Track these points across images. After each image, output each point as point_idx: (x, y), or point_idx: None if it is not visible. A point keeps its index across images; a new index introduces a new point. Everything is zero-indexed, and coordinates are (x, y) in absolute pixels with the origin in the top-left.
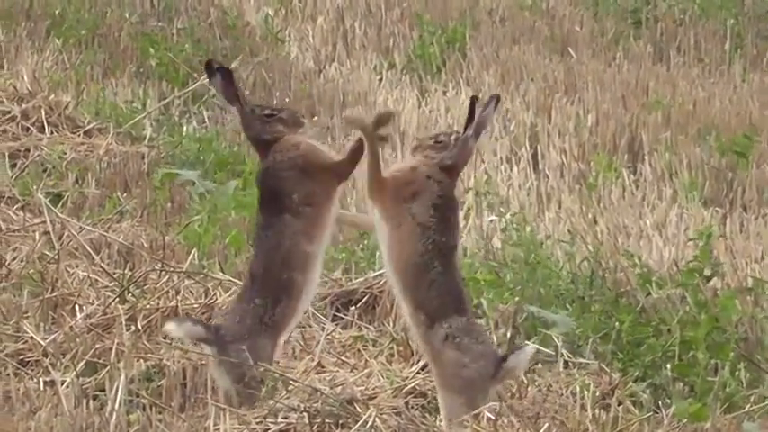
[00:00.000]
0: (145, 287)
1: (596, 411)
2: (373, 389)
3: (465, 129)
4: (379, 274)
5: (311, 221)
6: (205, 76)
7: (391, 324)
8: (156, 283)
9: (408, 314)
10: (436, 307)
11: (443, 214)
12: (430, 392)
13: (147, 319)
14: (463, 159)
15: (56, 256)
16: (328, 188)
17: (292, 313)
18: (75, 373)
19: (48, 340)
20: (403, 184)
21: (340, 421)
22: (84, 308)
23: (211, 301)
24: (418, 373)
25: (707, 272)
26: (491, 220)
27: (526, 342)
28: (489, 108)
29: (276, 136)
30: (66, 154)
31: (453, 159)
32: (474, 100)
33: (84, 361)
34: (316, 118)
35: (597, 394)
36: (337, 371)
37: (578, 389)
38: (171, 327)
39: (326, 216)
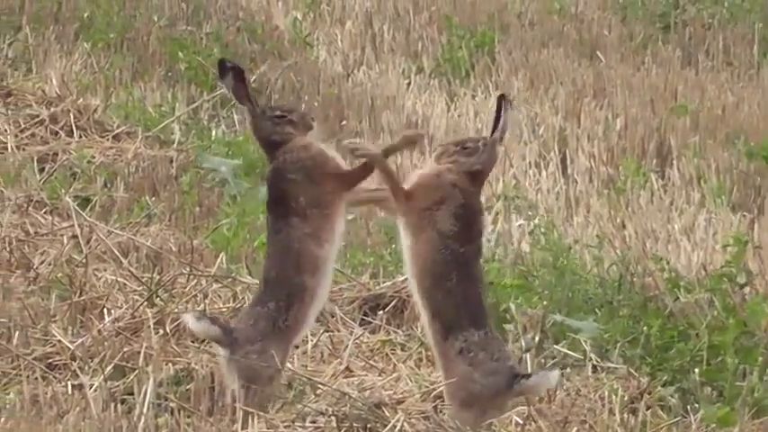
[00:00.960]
0: (173, 291)
1: (624, 416)
2: (401, 393)
3: (492, 132)
4: (407, 279)
5: (319, 224)
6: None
7: (419, 328)
8: (185, 287)
9: (426, 321)
10: (452, 318)
11: (465, 223)
12: None
13: (176, 323)
14: (491, 164)
15: (84, 260)
16: (335, 194)
17: (304, 318)
18: (103, 376)
19: (76, 344)
20: (428, 191)
21: (368, 425)
22: (112, 311)
23: (239, 305)
24: None
25: (740, 279)
26: (519, 225)
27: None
28: (507, 110)
29: (285, 137)
30: (94, 158)
31: (482, 165)
32: (501, 99)
33: (112, 365)
34: (344, 123)
35: (625, 399)
36: (365, 375)
37: (606, 393)
38: (189, 320)
39: (335, 219)
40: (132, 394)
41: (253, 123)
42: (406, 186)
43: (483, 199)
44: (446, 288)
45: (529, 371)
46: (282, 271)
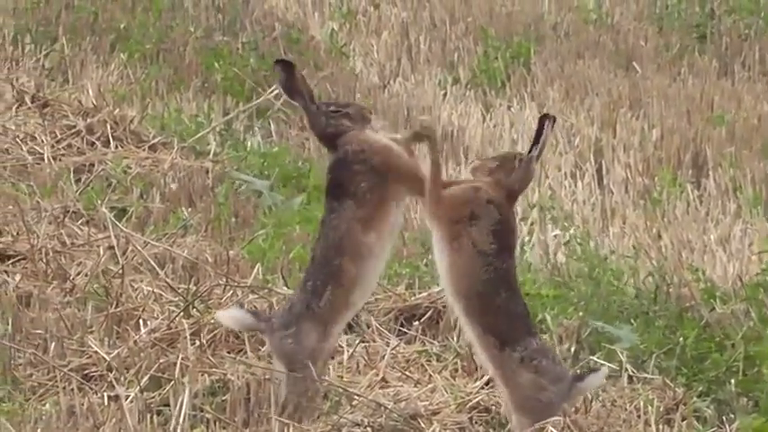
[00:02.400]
0: (209, 302)
1: (660, 427)
2: (437, 404)
3: (531, 149)
4: (443, 289)
5: (372, 212)
6: (270, 90)
7: (455, 339)
8: (221, 298)
9: (475, 337)
10: (506, 330)
11: (502, 239)
12: (494, 408)
13: (212, 334)
14: (526, 182)
15: (120, 271)
16: (399, 189)
17: (341, 302)
18: (139, 387)
19: (112, 355)
20: (462, 202)
21: None
22: (148, 322)
23: None
24: (482, 388)
25: None
26: (555, 235)
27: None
28: (548, 130)
29: (341, 130)
30: (130, 168)
31: (518, 183)
32: (545, 119)
33: (148, 376)
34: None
35: (661, 409)
36: (401, 386)
37: (642, 404)
38: (220, 315)
39: (389, 211)
40: (168, 405)
41: (308, 119)
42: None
43: (519, 210)
44: (496, 304)
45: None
46: (324, 252)
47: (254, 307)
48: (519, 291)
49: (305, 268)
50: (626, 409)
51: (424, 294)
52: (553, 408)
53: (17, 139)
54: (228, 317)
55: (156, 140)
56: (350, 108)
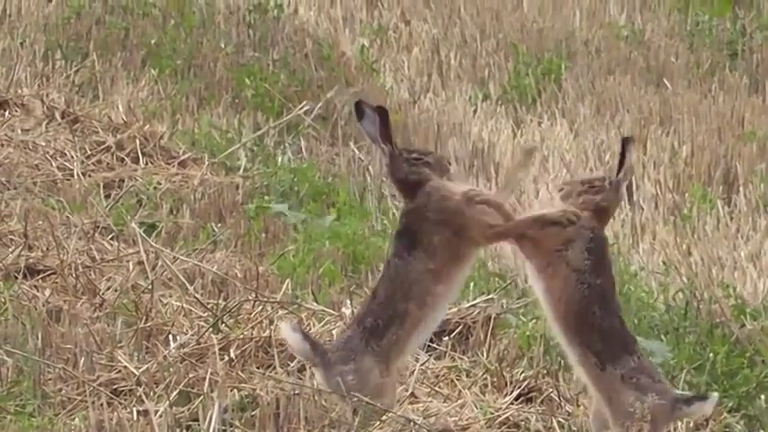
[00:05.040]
0: (238, 317)
1: None
2: (467, 420)
3: (618, 172)
4: (473, 305)
5: (444, 265)
6: (301, 106)
7: (485, 354)
8: (250, 314)
9: (576, 359)
10: (605, 348)
11: (597, 257)
12: (523, 423)
13: (241, 349)
14: (616, 203)
15: (150, 286)
16: (472, 243)
17: (401, 343)
18: (168, 402)
19: (141, 370)
20: (556, 233)
21: None
22: (177, 337)
23: (305, 331)
24: (512, 403)
25: None
26: None
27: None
28: (630, 152)
29: (423, 178)
30: (160, 184)
31: (608, 203)
32: (626, 142)
33: (177, 390)
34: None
35: (691, 425)
36: (431, 401)
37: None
38: (285, 328)
39: (461, 265)
40: (197, 420)
41: (390, 164)
42: (530, 231)
43: None
44: (592, 322)
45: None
46: (390, 294)
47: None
48: (615, 307)
49: (362, 303)
50: None
51: (454, 310)
52: (657, 424)
53: (47, 155)
54: (289, 337)
55: (185, 156)
56: (430, 157)
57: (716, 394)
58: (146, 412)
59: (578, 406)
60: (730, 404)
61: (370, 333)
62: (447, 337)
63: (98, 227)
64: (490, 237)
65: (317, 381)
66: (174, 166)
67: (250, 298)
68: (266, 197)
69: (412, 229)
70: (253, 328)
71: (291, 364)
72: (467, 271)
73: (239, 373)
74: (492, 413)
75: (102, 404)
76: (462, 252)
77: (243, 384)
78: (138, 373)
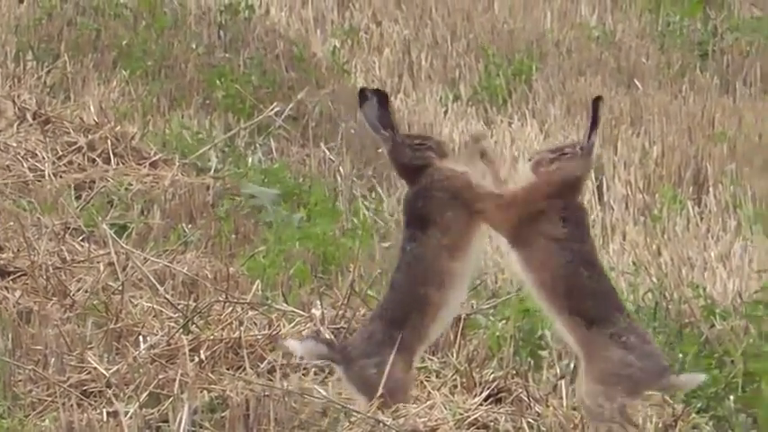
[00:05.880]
0: (209, 318)
1: None
2: (436, 420)
3: (589, 135)
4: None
5: (457, 238)
6: (272, 107)
7: (454, 355)
8: (220, 314)
9: (561, 321)
10: (593, 308)
11: (575, 223)
12: (492, 424)
13: (211, 350)
14: (589, 170)
15: (120, 287)
16: (487, 215)
17: (423, 333)
18: (138, 404)
19: (111, 371)
20: (526, 204)
21: None
22: (147, 339)
23: (275, 333)
24: (481, 404)
25: None
26: None
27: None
28: (601, 112)
29: (427, 162)
30: (131, 185)
31: (581, 171)
32: (597, 101)
33: (147, 392)
34: (381, 150)
35: (660, 426)
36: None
37: (641, 420)
38: (293, 345)
39: (474, 237)
40: (167, 422)
41: (393, 150)
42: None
43: None
44: (580, 285)
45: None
46: (408, 280)
47: (255, 323)
48: (602, 268)
49: (382, 296)
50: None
51: None
52: (639, 385)
53: (18, 156)
54: (301, 347)
55: (156, 157)
56: (431, 141)
57: (704, 375)
58: (115, 413)
59: (548, 406)
60: (699, 405)
61: (391, 324)
62: None
63: (69, 228)
64: (502, 206)
65: (340, 378)
66: (145, 167)
67: (220, 299)
68: (237, 198)
69: (420, 212)
70: (223, 329)
71: (261, 366)
72: (480, 246)
73: (209, 374)
74: (461, 414)
75: (72, 405)
76: (474, 226)
77: (213, 386)
78: (108, 375)
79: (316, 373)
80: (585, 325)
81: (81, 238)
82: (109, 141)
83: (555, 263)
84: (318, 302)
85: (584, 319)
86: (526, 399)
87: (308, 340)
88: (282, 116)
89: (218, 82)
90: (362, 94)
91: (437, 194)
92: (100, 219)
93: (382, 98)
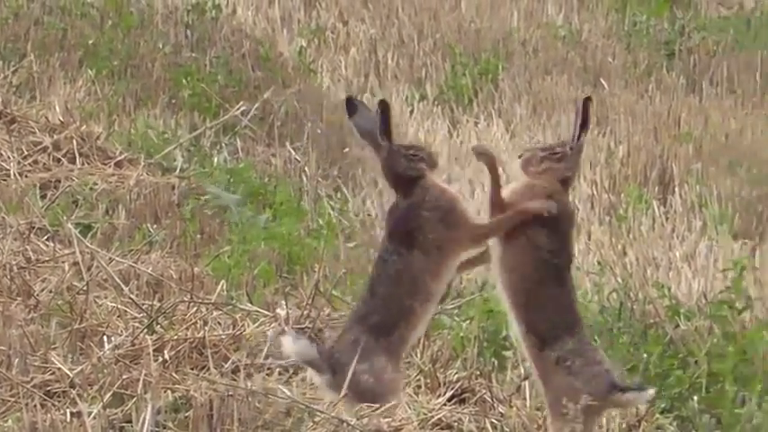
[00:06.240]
0: (173, 318)
1: None
2: (399, 420)
3: (579, 136)
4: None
5: (438, 263)
6: (238, 106)
7: (418, 355)
8: (185, 315)
9: (520, 334)
10: (547, 329)
11: (558, 233)
12: (456, 424)
13: (175, 350)
14: (577, 169)
15: (85, 287)
16: (461, 243)
17: (408, 340)
18: (102, 404)
19: (75, 371)
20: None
21: None
22: (112, 339)
23: (239, 333)
24: (444, 404)
25: (739, 305)
26: None
27: (653, 387)
28: (590, 112)
29: (420, 173)
30: (96, 185)
31: (571, 171)
32: (589, 102)
33: (111, 392)
34: (347, 149)
35: (623, 426)
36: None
37: (605, 420)
38: (285, 342)
39: (452, 263)
40: (131, 422)
41: (388, 160)
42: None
43: None
44: (540, 299)
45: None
46: (394, 291)
47: (219, 323)
48: (570, 287)
49: (358, 300)
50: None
51: None
52: (588, 411)
53: None
54: (292, 346)
55: (122, 157)
56: (423, 152)
57: (653, 390)
58: (79, 414)
59: (511, 407)
60: (663, 405)
61: (378, 331)
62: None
63: (34, 227)
64: (475, 238)
65: (319, 386)
66: (110, 167)
67: (185, 299)
68: (202, 197)
69: (407, 228)
70: (187, 329)
71: (225, 366)
72: (454, 268)
73: (173, 374)
74: (425, 414)
75: (35, 406)
76: (452, 251)
77: (177, 386)
78: (71, 375)
79: (280, 374)
80: (538, 346)
81: (46, 237)
82: (74, 141)
83: (527, 270)
84: (283, 302)
85: (538, 339)
86: (490, 399)
87: (302, 340)
88: (248, 116)
89: (184, 81)
90: (350, 104)
91: (426, 214)
92: (65, 218)
93: (385, 110)
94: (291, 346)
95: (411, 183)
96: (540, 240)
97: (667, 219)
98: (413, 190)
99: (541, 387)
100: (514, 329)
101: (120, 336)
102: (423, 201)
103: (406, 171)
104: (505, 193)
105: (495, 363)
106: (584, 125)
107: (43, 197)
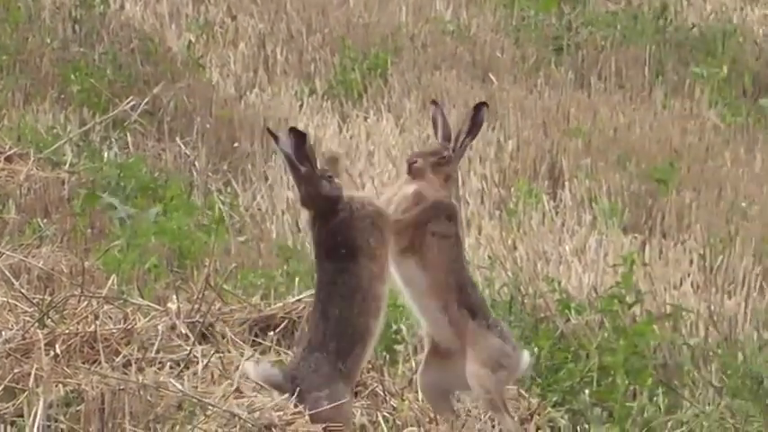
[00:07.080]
0: (64, 312)
1: None
2: (291, 414)
3: (466, 137)
4: (299, 300)
5: (381, 266)
6: (127, 101)
7: None
8: (76, 309)
9: (449, 315)
10: (474, 302)
11: (456, 223)
12: None
13: (66, 344)
14: (457, 168)
15: None
16: (392, 239)
17: (362, 360)
18: None
19: None
20: (416, 213)
21: None
22: (2, 333)
23: (130, 327)
24: None
25: (629, 299)
26: None
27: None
28: (483, 117)
29: (340, 192)
30: None
31: (455, 171)
32: (485, 107)
33: (2, 386)
34: (237, 144)
35: (516, 419)
36: (255, 396)
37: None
38: (248, 368)
39: (388, 263)
40: (22, 416)
41: (312, 183)
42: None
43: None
44: (465, 279)
45: None
46: (346, 312)
47: (110, 317)
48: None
49: (314, 326)
50: (480, 419)
51: (279, 305)
52: (514, 372)
53: None
54: (256, 371)
55: (11, 152)
56: (329, 168)
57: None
58: None
59: (403, 400)
60: (555, 399)
61: (336, 356)
62: (272, 332)
63: None
64: (398, 231)
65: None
66: (0, 162)
67: (76, 293)
68: (93, 192)
69: (347, 243)
70: (78, 323)
71: (117, 360)
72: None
73: (65, 368)
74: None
75: None
76: (388, 249)
77: (68, 380)
78: None
79: (171, 367)
80: (471, 316)
81: None
82: None
83: (446, 259)
84: (174, 296)
85: (469, 311)
86: (382, 393)
87: (263, 364)
88: (138, 110)
89: (72, 76)
90: (272, 134)
91: (359, 224)
92: None
93: (300, 136)
94: (253, 372)
95: (334, 202)
96: (447, 231)
97: (557, 213)
98: (336, 207)
99: (472, 351)
100: (434, 320)
101: (11, 330)
102: (351, 213)
103: (331, 192)
104: (395, 201)
105: (387, 357)
106: (471, 131)
107: None
